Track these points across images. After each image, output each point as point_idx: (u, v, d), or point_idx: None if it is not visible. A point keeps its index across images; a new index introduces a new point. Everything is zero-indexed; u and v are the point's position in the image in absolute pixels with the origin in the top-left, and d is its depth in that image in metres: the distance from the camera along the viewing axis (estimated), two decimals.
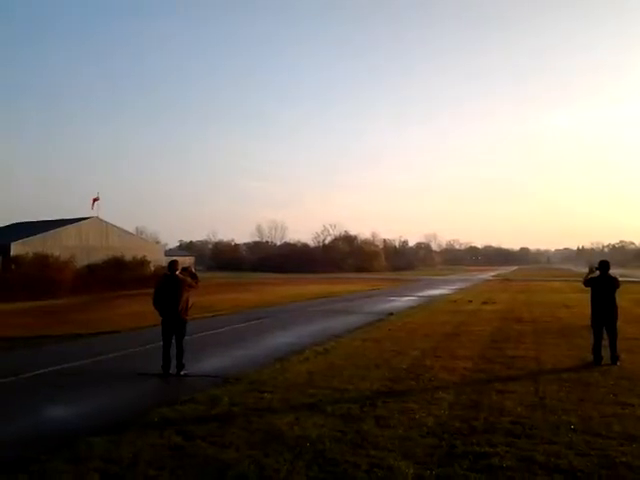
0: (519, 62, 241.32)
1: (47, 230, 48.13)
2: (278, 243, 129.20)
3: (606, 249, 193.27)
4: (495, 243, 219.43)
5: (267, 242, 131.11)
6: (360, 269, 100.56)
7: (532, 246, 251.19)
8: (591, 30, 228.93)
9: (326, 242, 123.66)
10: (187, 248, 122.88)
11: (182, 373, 9.67)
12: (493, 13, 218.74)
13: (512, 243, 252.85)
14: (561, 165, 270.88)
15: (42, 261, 40.23)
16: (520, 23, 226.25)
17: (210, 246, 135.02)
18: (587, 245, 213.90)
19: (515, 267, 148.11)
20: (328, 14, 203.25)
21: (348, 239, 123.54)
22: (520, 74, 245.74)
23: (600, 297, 10.58)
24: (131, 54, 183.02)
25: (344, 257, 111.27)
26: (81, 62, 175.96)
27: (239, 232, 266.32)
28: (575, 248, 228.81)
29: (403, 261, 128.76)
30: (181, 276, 10.14)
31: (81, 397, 8.23)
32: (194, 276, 10.43)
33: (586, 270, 11.35)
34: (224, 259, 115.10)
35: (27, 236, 46.18)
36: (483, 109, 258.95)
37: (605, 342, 10.47)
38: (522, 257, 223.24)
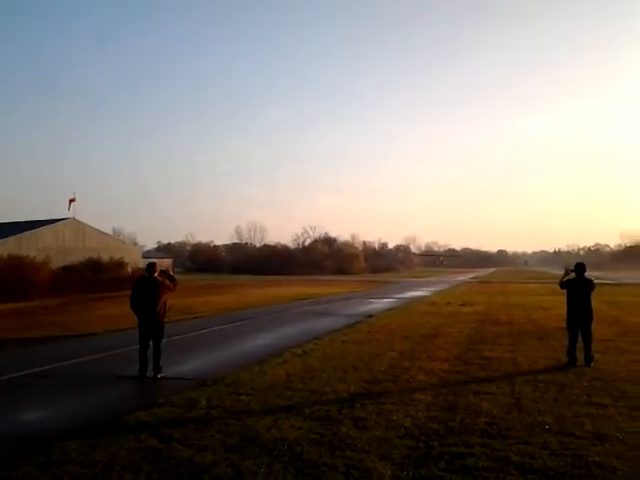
0: (492, 66, 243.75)
1: (22, 231, 47.35)
2: (258, 245, 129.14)
3: (582, 252, 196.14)
4: (473, 245, 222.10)
5: (246, 244, 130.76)
6: (340, 271, 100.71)
7: (510, 248, 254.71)
8: (578, 31, 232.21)
9: (306, 244, 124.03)
10: (165, 250, 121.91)
11: (159, 376, 9.59)
12: (478, 15, 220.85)
13: (490, 245, 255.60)
14: (538, 168, 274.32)
15: (17, 262, 39.46)
16: (511, 22, 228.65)
17: (189, 248, 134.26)
18: (563, 247, 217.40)
19: (493, 269, 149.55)
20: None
21: (328, 241, 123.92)
22: (496, 78, 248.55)
23: (576, 299, 10.74)
24: (115, 51, 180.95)
25: (324, 259, 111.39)
26: (63, 60, 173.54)
27: (218, 233, 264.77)
28: (552, 250, 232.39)
29: (383, 263, 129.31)
30: (159, 278, 10.05)
31: (55, 400, 8.11)
32: (172, 279, 10.34)
33: (562, 272, 11.52)
34: (203, 261, 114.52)
35: (1, 237, 45.36)
36: (461, 113, 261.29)
37: (580, 344, 10.63)
38: (500, 259, 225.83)
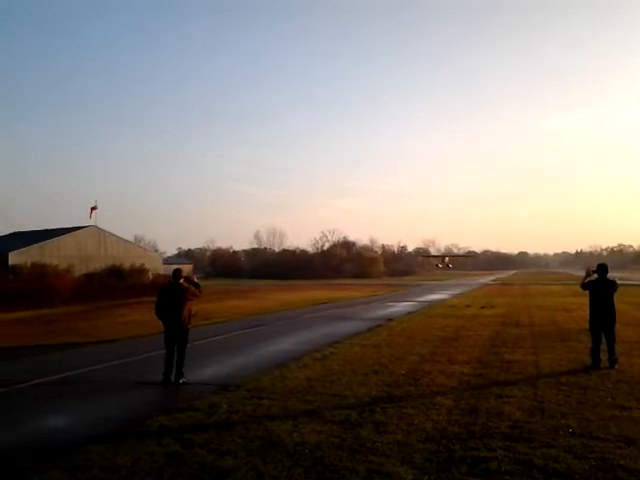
0: (518, 66, 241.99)
1: (45, 239, 48.09)
2: (277, 250, 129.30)
3: (605, 252, 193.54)
4: (494, 248, 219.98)
5: (266, 249, 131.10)
6: (359, 275, 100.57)
7: (531, 250, 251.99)
8: (599, 34, 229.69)
9: (324, 248, 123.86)
10: (186, 256, 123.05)
11: (181, 381, 9.64)
12: (500, 17, 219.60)
13: (511, 247, 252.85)
14: (560, 169, 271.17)
15: (40, 270, 40.20)
16: (531, 27, 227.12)
17: (208, 253, 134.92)
18: (586, 248, 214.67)
19: (514, 271, 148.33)
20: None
21: (347, 245, 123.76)
22: (519, 78, 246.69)
23: (598, 300, 10.59)
24: (134, 62, 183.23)
25: (343, 263, 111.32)
26: (78, 69, 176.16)
27: (237, 239, 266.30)
28: (574, 252, 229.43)
29: (402, 266, 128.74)
30: (185, 285, 10.08)
31: (79, 406, 8.21)
32: (197, 285, 10.35)
33: (584, 274, 11.37)
34: (223, 266, 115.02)
35: (25, 245, 46.11)
36: (484, 114, 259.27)
37: (603, 346, 10.48)
38: (521, 261, 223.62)
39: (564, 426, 6.43)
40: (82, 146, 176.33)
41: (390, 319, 20.63)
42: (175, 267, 11.34)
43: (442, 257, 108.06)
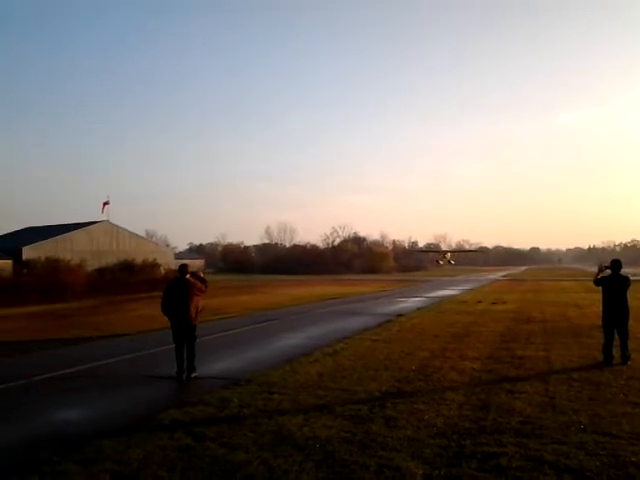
0: (533, 61, 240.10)
1: (58, 234, 48.53)
2: (287, 245, 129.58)
3: (618, 248, 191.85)
4: (505, 243, 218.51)
5: (276, 244, 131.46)
6: (369, 270, 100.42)
7: (543, 246, 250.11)
8: (607, 32, 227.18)
9: (335, 243, 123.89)
10: (197, 251, 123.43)
11: (193, 375, 9.68)
12: (513, 12, 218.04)
13: (522, 243, 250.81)
14: (572, 164, 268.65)
15: (53, 265, 40.64)
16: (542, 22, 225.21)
17: (219, 249, 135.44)
18: (599, 244, 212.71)
19: (525, 267, 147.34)
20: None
21: (357, 240, 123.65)
22: (531, 73, 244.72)
23: (611, 296, 10.51)
24: (145, 56, 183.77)
25: (353, 258, 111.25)
26: (96, 62, 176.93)
27: (248, 234, 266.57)
28: (586, 247, 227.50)
29: (412, 262, 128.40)
30: (192, 280, 10.05)
31: (91, 399, 8.29)
32: (203, 280, 10.33)
33: (597, 269, 11.29)
34: (234, 261, 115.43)
35: (38, 240, 46.56)
36: (495, 108, 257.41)
37: (616, 342, 10.42)
38: (533, 257, 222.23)
39: (576, 422, 6.40)
40: (95, 141, 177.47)
41: (400, 315, 20.61)
42: (181, 262, 11.32)
43: (443, 253, 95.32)
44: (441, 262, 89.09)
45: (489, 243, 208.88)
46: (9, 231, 59.24)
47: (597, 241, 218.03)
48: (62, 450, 5.65)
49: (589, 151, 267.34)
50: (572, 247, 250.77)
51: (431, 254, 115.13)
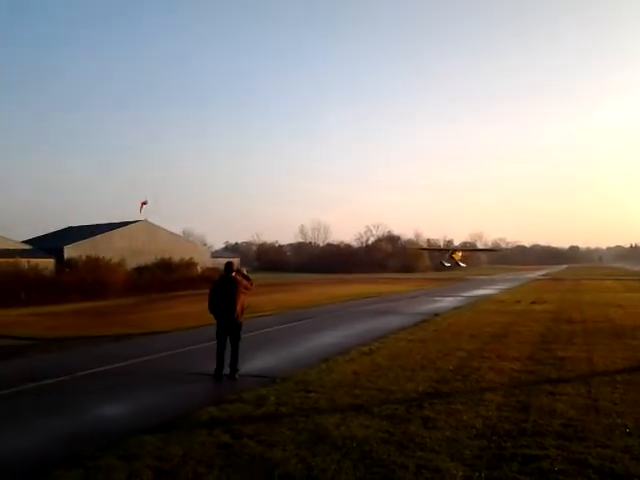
0: (570, 58, 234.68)
1: (98, 234, 49.67)
2: (321, 244, 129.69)
3: None
4: (543, 242, 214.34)
5: (310, 243, 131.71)
6: (404, 269, 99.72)
7: (582, 244, 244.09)
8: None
9: (369, 242, 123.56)
10: (232, 250, 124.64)
11: (237, 376, 9.55)
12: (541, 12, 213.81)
13: (561, 241, 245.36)
14: (612, 160, 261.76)
15: (94, 263, 41.62)
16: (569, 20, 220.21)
17: (254, 247, 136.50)
18: None
19: (565, 266, 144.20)
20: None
21: (391, 239, 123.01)
22: (568, 69, 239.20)
23: None
24: (184, 62, 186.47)
25: (387, 257, 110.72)
26: (136, 63, 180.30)
27: (283, 233, 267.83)
28: (628, 246, 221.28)
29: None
30: (238, 277, 10.02)
31: (132, 396, 8.46)
32: (248, 278, 10.31)
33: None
34: (268, 260, 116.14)
35: (79, 240, 47.75)
36: (533, 106, 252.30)
37: None
38: (572, 256, 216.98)
39: (620, 426, 6.23)
40: (133, 143, 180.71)
41: (436, 314, 20.40)
42: (227, 260, 11.31)
43: (449, 252, 73.06)
44: (447, 264, 69.23)
45: (526, 242, 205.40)
46: (50, 231, 60.87)
47: (639, 239, 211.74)
48: (104, 445, 5.77)
49: (629, 147, 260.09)
50: (613, 245, 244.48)
51: (429, 252, 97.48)
